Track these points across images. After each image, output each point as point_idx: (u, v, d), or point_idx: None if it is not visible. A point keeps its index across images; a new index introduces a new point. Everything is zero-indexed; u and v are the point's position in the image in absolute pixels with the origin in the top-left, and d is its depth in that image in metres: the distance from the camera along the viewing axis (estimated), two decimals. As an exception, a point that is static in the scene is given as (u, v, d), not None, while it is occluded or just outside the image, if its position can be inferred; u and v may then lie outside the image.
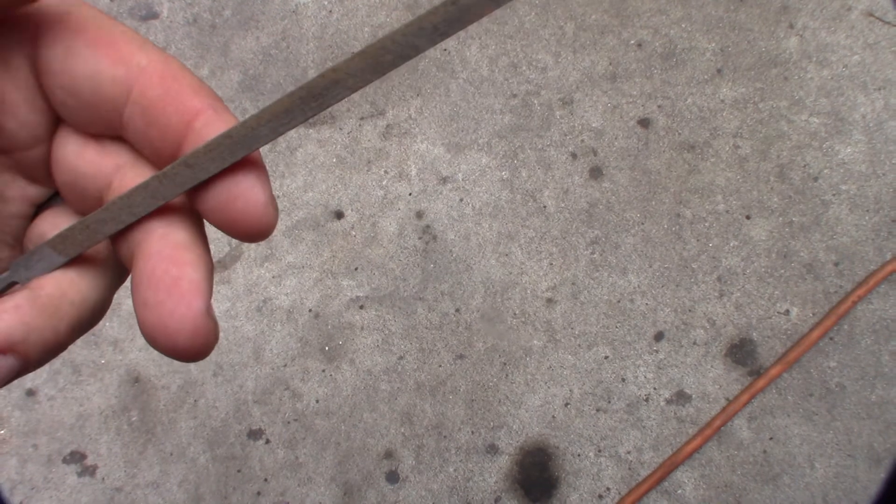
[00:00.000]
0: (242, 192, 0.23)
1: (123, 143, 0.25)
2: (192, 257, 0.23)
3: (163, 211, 0.24)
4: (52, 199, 0.27)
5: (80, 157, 0.25)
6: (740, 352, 0.99)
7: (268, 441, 1.01)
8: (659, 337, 1.00)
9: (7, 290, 0.25)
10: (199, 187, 0.23)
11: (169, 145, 0.24)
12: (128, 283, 0.25)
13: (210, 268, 0.24)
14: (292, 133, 1.12)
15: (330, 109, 1.13)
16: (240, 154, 0.23)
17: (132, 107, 0.23)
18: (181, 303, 0.22)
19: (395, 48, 0.22)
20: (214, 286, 1.07)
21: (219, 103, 0.24)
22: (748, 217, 1.03)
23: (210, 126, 0.23)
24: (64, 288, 0.24)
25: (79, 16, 0.23)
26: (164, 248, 0.23)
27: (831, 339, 0.98)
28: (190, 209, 0.24)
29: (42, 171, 0.26)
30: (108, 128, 0.24)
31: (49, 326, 0.23)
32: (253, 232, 0.24)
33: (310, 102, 0.22)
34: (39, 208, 0.27)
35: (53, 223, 0.26)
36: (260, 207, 0.23)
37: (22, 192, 0.26)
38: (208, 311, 0.22)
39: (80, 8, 0.23)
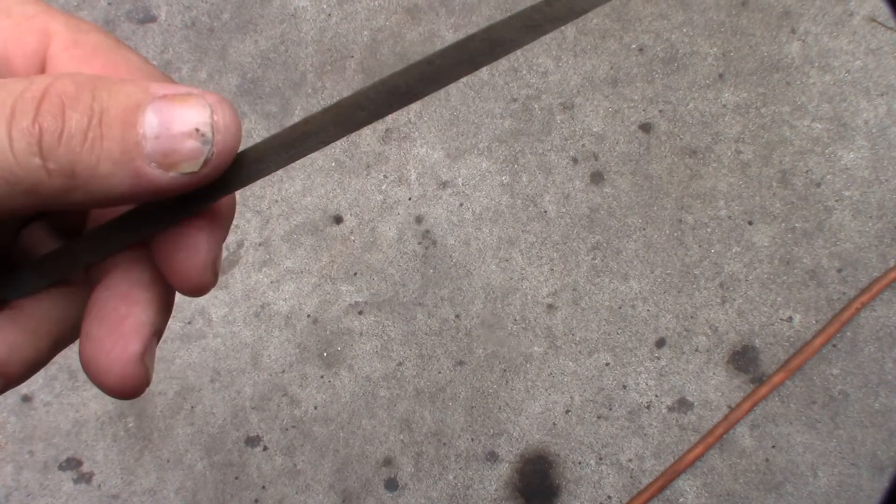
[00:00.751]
0: (187, 248, 0.23)
1: None
2: (146, 297, 0.23)
3: (137, 244, 0.24)
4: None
5: None
6: (743, 359, 0.98)
7: (265, 448, 1.01)
8: (660, 343, 0.99)
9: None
10: (156, 234, 0.23)
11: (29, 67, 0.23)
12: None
13: (164, 310, 0.23)
14: (291, 137, 1.11)
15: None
16: (209, 202, 0.22)
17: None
18: (118, 343, 0.22)
19: (369, 106, 0.22)
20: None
21: (82, 35, 0.23)
22: (750, 223, 1.02)
23: (61, 52, 0.23)
24: (44, 306, 0.24)
25: (88, 43, 0.23)
26: (122, 283, 0.23)
27: (834, 346, 0.98)
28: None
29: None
30: None
31: (30, 345, 0.23)
32: (185, 288, 0.23)
33: (280, 153, 0.22)
34: (26, 222, 0.26)
35: (40, 235, 0.26)
36: (198, 269, 0.23)
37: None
38: (143, 356, 0.22)
39: (91, 35, 0.24)
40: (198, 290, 0.23)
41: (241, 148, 0.22)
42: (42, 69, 0.23)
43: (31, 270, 0.24)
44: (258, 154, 0.22)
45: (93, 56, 0.23)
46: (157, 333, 0.23)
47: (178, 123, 0.20)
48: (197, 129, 0.20)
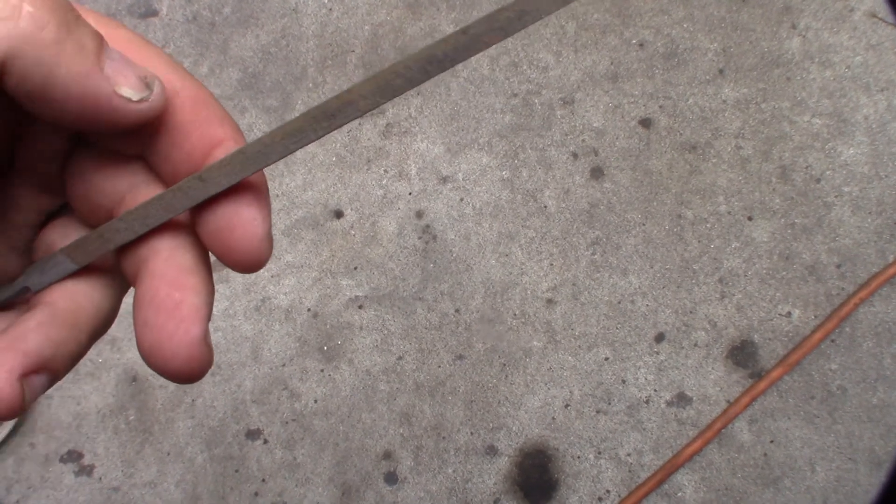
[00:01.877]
0: (242, 224, 0.24)
1: (140, 161, 0.26)
2: (194, 282, 0.24)
3: (171, 230, 0.24)
4: (62, 208, 0.27)
5: (97, 174, 0.26)
6: (741, 354, 0.98)
7: (266, 441, 1.01)
8: (660, 338, 1.00)
9: (19, 295, 0.25)
10: (202, 211, 0.24)
11: (188, 169, 0.24)
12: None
13: (211, 292, 0.24)
14: (292, 131, 1.11)
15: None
16: (251, 170, 0.23)
17: (162, 128, 0.25)
18: (180, 328, 0.23)
19: (406, 73, 0.23)
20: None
21: (239, 135, 0.25)
22: (750, 218, 1.02)
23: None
24: (78, 299, 0.25)
25: (121, 40, 0.24)
26: (169, 270, 0.24)
27: (833, 341, 0.98)
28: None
29: (56, 183, 0.26)
30: (132, 149, 0.25)
31: (72, 339, 0.24)
32: (245, 264, 0.24)
33: (322, 122, 0.23)
34: (49, 217, 0.27)
35: (62, 232, 0.26)
36: (255, 242, 0.24)
37: (34, 201, 0.26)
38: (205, 337, 0.23)
39: (121, 31, 0.25)
40: (255, 265, 0.24)
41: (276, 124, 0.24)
42: None
43: (62, 254, 0.24)
44: (299, 125, 0.23)
45: (125, 51, 0.24)
46: (210, 316, 0.24)
47: (132, 65, 0.23)
48: (145, 77, 0.23)
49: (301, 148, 0.24)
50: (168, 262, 0.24)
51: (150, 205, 0.24)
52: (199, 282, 0.24)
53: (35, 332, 0.23)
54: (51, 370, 0.23)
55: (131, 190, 0.26)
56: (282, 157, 0.24)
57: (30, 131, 0.25)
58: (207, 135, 0.24)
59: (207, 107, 0.25)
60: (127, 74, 0.22)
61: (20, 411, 0.23)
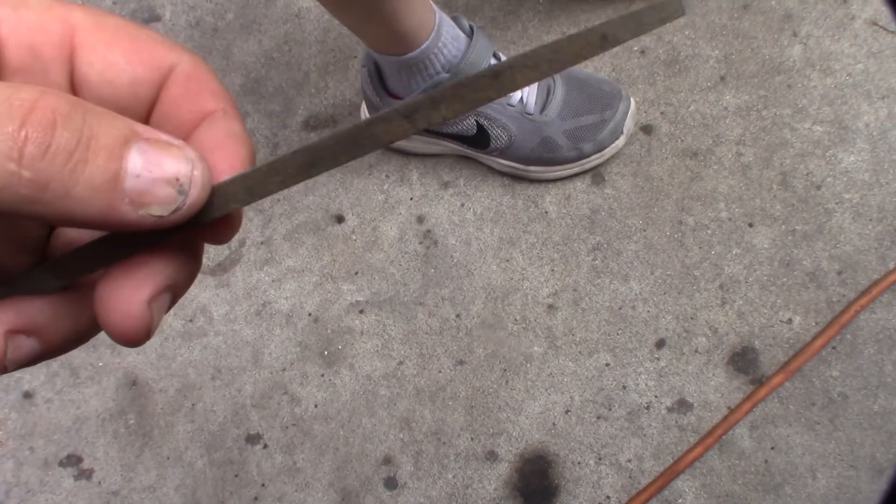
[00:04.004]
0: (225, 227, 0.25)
1: None
2: (170, 251, 0.24)
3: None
4: None
5: None
6: (742, 360, 0.98)
7: (265, 446, 1.01)
8: (660, 344, 1.00)
9: None
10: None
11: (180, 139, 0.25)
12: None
13: (185, 267, 0.24)
14: (293, 136, 1.12)
15: (331, 113, 1.13)
16: (243, 202, 0.23)
17: (158, 103, 0.25)
18: (129, 284, 0.23)
19: (323, 160, 0.23)
20: (213, 289, 1.07)
21: (231, 107, 0.25)
22: (751, 225, 1.02)
23: (214, 124, 0.24)
24: (91, 278, 0.25)
25: (111, 27, 0.24)
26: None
27: (834, 348, 0.98)
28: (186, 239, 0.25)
29: None
30: None
31: (72, 316, 0.24)
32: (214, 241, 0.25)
33: (246, 195, 0.23)
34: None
35: (78, 231, 0.26)
36: (234, 233, 0.25)
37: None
38: (149, 302, 0.23)
39: (109, 18, 0.24)
40: (227, 241, 0.25)
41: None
42: (71, 56, 0.24)
43: (47, 271, 0.24)
44: (226, 193, 0.23)
45: (117, 37, 0.24)
46: (173, 289, 0.24)
47: (160, 169, 0.21)
48: (177, 179, 0.21)
49: (223, 215, 0.24)
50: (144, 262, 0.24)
51: (126, 236, 0.23)
52: (174, 252, 0.24)
53: (39, 298, 0.24)
54: (43, 339, 0.23)
55: None
56: (215, 217, 0.23)
57: None
58: (199, 107, 0.25)
59: (201, 80, 0.25)
60: (155, 190, 0.21)
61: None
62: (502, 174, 1.07)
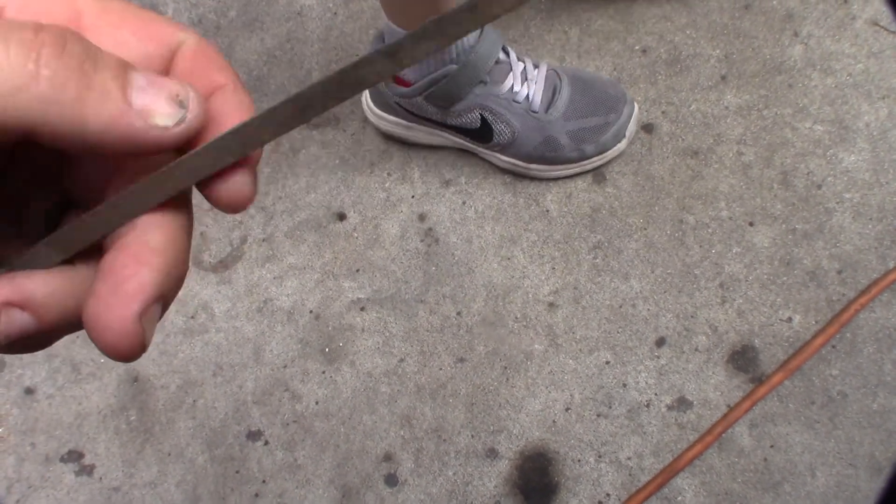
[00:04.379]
0: (234, 186, 0.25)
1: None
2: (156, 262, 0.23)
3: (156, 209, 0.25)
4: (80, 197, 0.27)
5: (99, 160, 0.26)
6: (742, 358, 0.99)
7: (266, 442, 1.01)
8: (661, 342, 1.00)
9: None
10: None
11: None
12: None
13: (173, 274, 0.24)
14: (295, 134, 1.12)
15: (334, 111, 1.13)
16: (239, 154, 0.24)
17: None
18: (120, 301, 0.22)
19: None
20: (215, 286, 1.07)
21: (238, 81, 0.26)
22: (751, 224, 1.03)
23: (225, 97, 0.25)
24: (95, 266, 0.25)
25: (115, 8, 0.25)
26: (134, 244, 0.24)
27: (833, 347, 0.98)
28: (181, 210, 0.25)
29: (64, 172, 0.27)
30: None
31: (71, 295, 0.24)
32: (234, 207, 0.26)
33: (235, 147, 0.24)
34: (66, 207, 0.27)
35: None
36: (248, 197, 0.25)
37: (43, 191, 0.27)
38: (140, 317, 0.23)
39: (113, 2, 0.25)
40: (243, 207, 0.26)
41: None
42: None
43: (44, 246, 0.24)
44: (221, 147, 0.24)
45: (124, 18, 0.25)
46: (162, 299, 0.24)
47: (162, 86, 0.22)
48: (177, 95, 0.22)
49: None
50: (138, 237, 0.24)
51: (133, 193, 0.24)
52: (161, 262, 0.23)
53: (39, 274, 0.24)
54: (37, 315, 0.23)
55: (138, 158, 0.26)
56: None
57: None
58: (207, 81, 0.25)
59: (207, 56, 0.26)
60: (158, 101, 0.22)
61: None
62: (503, 172, 1.07)
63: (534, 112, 0.99)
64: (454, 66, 0.93)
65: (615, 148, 1.02)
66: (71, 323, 0.24)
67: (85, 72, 0.21)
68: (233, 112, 0.25)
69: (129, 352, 0.23)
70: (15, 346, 0.24)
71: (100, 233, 0.24)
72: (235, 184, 0.25)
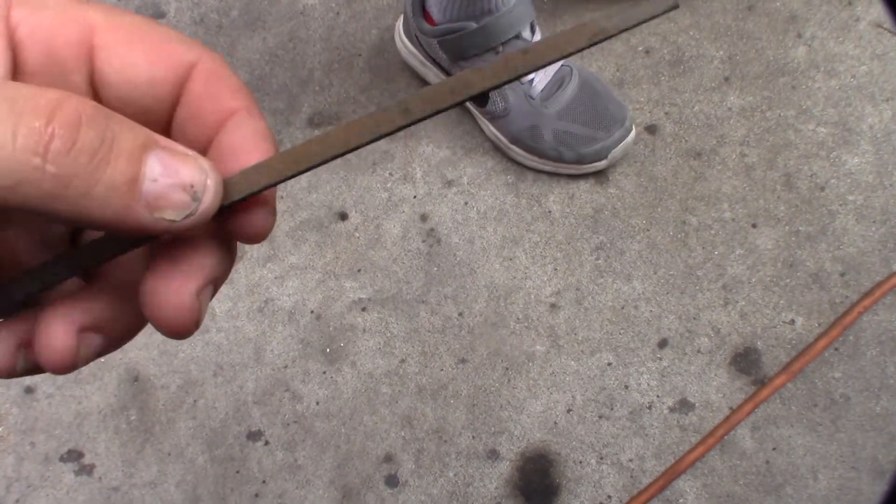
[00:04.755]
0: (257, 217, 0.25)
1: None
2: (211, 244, 0.24)
3: None
4: None
5: None
6: (744, 361, 0.98)
7: (267, 443, 1.01)
8: (663, 344, 1.00)
9: (33, 296, 0.25)
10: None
11: (204, 139, 0.25)
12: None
13: (225, 259, 0.25)
14: (297, 133, 1.12)
15: (336, 111, 1.13)
16: (272, 183, 0.24)
17: (180, 103, 0.25)
18: (178, 278, 0.23)
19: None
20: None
21: (253, 105, 0.25)
22: (754, 226, 1.02)
23: (241, 124, 0.25)
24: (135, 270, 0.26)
25: (130, 27, 0.24)
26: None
27: (836, 349, 0.98)
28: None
29: None
30: (159, 128, 0.26)
31: (130, 311, 0.25)
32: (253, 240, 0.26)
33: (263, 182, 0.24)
34: (78, 232, 0.28)
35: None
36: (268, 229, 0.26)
37: None
38: (198, 293, 0.24)
39: (127, 17, 0.25)
40: (261, 239, 0.26)
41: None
42: (90, 56, 0.24)
43: (59, 264, 0.24)
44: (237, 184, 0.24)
45: (136, 36, 0.24)
46: (216, 281, 0.25)
47: (176, 175, 0.22)
48: (191, 186, 0.22)
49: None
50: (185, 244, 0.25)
51: (105, 241, 0.24)
52: (215, 246, 0.24)
53: (99, 299, 0.24)
54: (106, 334, 0.24)
55: None
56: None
57: None
58: (222, 106, 0.25)
59: (221, 78, 0.25)
60: (170, 195, 0.21)
61: (73, 368, 0.24)
62: (506, 173, 1.07)
63: (531, 98, 1.00)
64: (473, 25, 0.95)
65: (591, 165, 1.03)
66: (131, 333, 0.26)
67: (95, 167, 0.20)
68: (249, 140, 0.25)
69: (184, 327, 0.23)
70: (88, 362, 0.25)
71: (113, 255, 0.24)
72: (258, 215, 0.25)
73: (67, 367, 0.23)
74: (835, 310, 0.99)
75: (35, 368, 0.24)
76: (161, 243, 0.24)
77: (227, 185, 0.23)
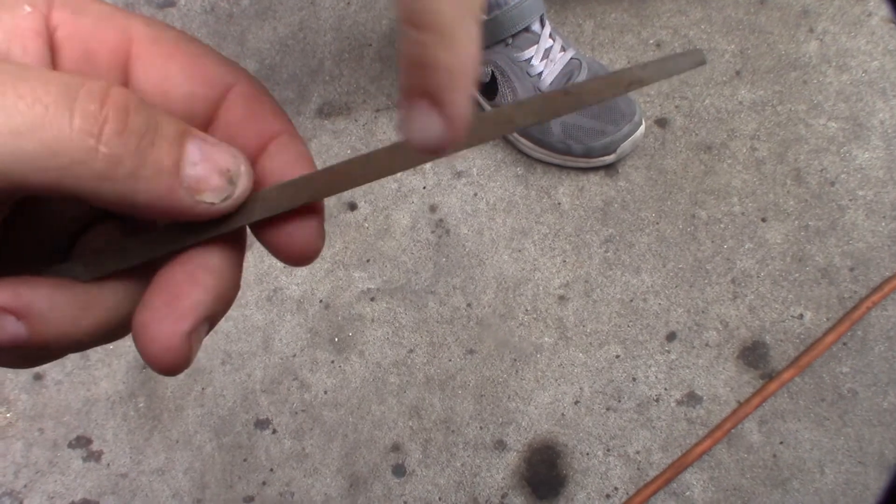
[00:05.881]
0: (301, 232, 0.25)
1: None
2: (210, 282, 0.24)
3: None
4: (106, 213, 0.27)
5: None
6: (752, 354, 0.98)
7: (275, 431, 1.01)
8: (671, 337, 1.00)
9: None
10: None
11: None
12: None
13: (223, 297, 0.24)
14: (307, 123, 1.12)
15: (346, 101, 1.13)
16: (309, 199, 0.24)
17: (216, 124, 0.25)
18: (171, 315, 0.23)
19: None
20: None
21: (293, 128, 0.26)
22: (764, 220, 1.02)
23: (283, 148, 0.25)
24: (105, 290, 0.24)
25: (169, 40, 0.25)
26: (190, 264, 0.24)
27: (844, 344, 0.98)
28: (239, 234, 0.25)
29: None
30: None
31: (71, 316, 0.23)
32: (301, 261, 0.26)
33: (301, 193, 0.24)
34: (94, 219, 0.27)
35: (109, 237, 0.26)
36: (317, 249, 0.26)
37: (72, 206, 0.27)
38: (189, 335, 0.23)
39: (168, 31, 0.25)
40: (307, 260, 0.26)
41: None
42: (125, 66, 0.24)
43: (80, 264, 0.24)
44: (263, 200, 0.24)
45: (175, 52, 0.24)
46: (211, 319, 0.24)
47: (214, 161, 0.22)
48: (228, 170, 0.22)
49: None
50: (193, 257, 0.24)
51: (181, 228, 0.24)
52: (214, 284, 0.24)
53: (44, 286, 0.23)
54: (32, 326, 0.22)
55: None
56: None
57: None
58: (263, 129, 0.25)
59: (261, 101, 0.25)
60: (209, 178, 0.22)
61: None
62: (515, 164, 1.07)
63: (540, 91, 1.00)
64: (482, 17, 0.96)
65: (600, 159, 1.02)
66: (72, 342, 0.24)
67: (142, 149, 0.21)
68: (291, 164, 0.25)
69: (173, 366, 0.23)
70: (3, 357, 0.24)
71: (134, 261, 0.24)
72: (305, 230, 0.25)
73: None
74: (843, 305, 0.99)
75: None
76: (159, 276, 0.24)
77: (264, 196, 0.24)
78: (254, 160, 0.25)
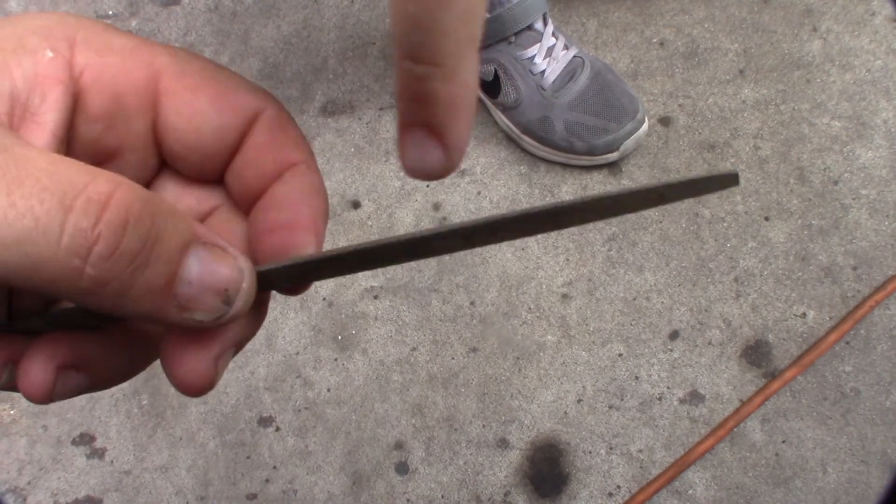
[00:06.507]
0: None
1: (220, 184, 0.26)
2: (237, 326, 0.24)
3: None
4: None
5: (179, 200, 0.26)
6: (755, 353, 0.98)
7: (278, 428, 1.01)
8: (674, 336, 1.00)
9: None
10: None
11: (258, 188, 0.25)
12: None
13: (251, 326, 0.25)
14: (311, 121, 1.12)
15: (349, 99, 1.13)
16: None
17: (243, 148, 0.25)
18: (201, 340, 0.23)
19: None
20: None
21: (311, 158, 0.26)
22: (767, 218, 1.02)
23: (298, 177, 0.25)
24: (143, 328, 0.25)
25: (197, 72, 0.24)
26: None
27: (847, 343, 0.98)
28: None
29: None
30: (216, 174, 0.26)
31: (122, 354, 0.25)
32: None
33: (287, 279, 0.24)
34: None
35: None
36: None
37: None
38: (217, 359, 0.23)
39: (195, 62, 0.24)
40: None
41: None
42: (154, 104, 0.24)
43: (40, 320, 0.24)
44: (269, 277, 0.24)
45: (203, 83, 0.24)
46: (238, 345, 0.24)
47: (213, 277, 0.21)
48: (226, 290, 0.21)
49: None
50: None
51: None
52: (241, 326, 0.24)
53: (91, 339, 0.24)
54: (89, 374, 0.24)
55: (211, 213, 0.26)
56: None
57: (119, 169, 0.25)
58: (283, 157, 0.25)
59: (284, 129, 0.25)
60: (203, 299, 0.21)
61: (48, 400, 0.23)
62: (518, 163, 1.07)
63: (542, 89, 1.00)
64: (485, 15, 0.96)
65: (603, 157, 1.02)
66: (123, 376, 0.25)
67: (133, 270, 0.20)
68: (302, 194, 0.25)
69: (200, 390, 0.23)
70: (65, 399, 0.25)
71: (93, 323, 0.25)
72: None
73: (41, 399, 0.23)
74: (846, 304, 0.99)
75: (16, 387, 0.24)
76: None
77: (268, 274, 0.23)
78: (268, 185, 0.25)
